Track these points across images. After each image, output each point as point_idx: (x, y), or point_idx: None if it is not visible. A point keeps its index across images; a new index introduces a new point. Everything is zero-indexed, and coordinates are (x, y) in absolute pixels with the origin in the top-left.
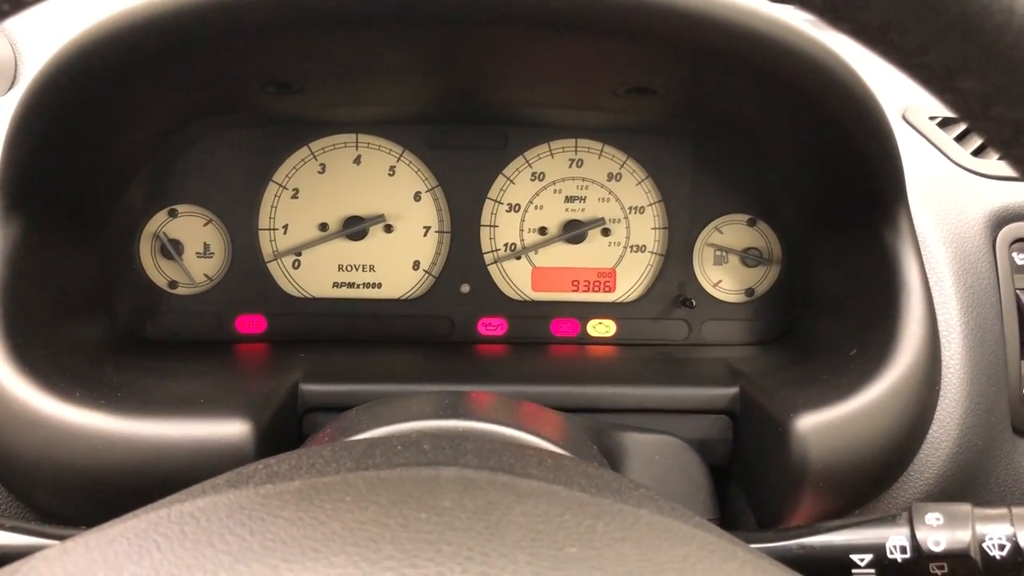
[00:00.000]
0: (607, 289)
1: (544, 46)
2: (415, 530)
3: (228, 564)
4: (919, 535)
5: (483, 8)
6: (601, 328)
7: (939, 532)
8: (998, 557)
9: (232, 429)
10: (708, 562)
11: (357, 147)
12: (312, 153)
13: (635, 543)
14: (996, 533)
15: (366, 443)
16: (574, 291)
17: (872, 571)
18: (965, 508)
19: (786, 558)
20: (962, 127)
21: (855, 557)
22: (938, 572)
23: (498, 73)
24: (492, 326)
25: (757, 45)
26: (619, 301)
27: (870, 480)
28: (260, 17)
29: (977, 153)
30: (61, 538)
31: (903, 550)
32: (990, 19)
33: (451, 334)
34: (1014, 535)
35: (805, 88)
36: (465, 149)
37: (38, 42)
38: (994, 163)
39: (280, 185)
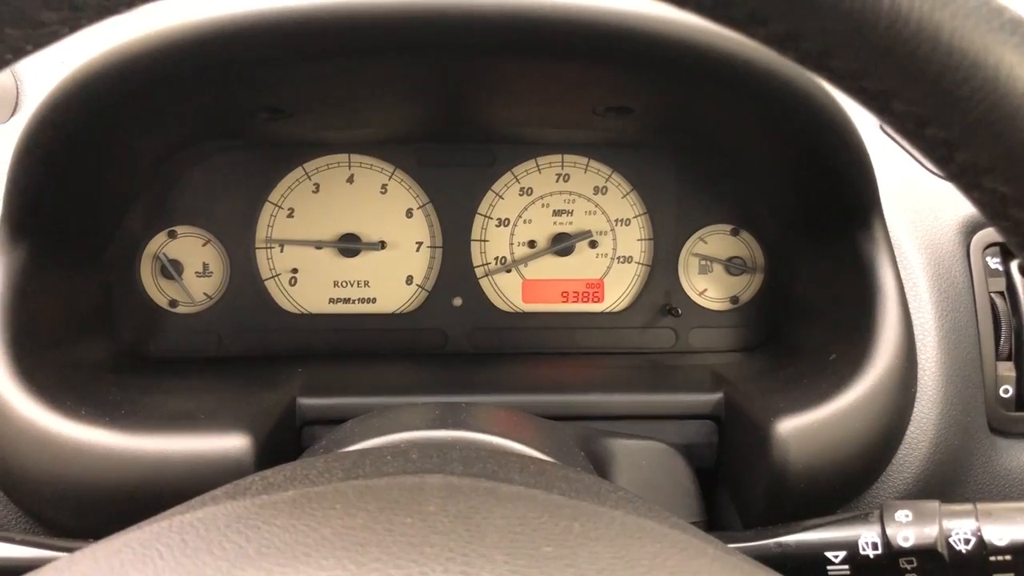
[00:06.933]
0: (595, 300)
1: (523, 71)
2: (400, 534)
3: (226, 569)
4: (889, 531)
5: (463, 38)
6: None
7: (908, 528)
8: (964, 551)
9: (232, 443)
10: (678, 559)
11: (350, 167)
12: (306, 173)
13: (608, 542)
14: (962, 528)
15: (357, 454)
16: (564, 302)
17: (846, 567)
18: (933, 505)
19: (764, 557)
20: None
21: (830, 554)
22: (908, 567)
23: (482, 96)
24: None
25: (726, 65)
26: (607, 311)
27: (850, 481)
28: (253, 48)
29: None
30: (70, 550)
31: (874, 546)
32: (918, 49)
33: (444, 346)
34: (979, 530)
35: (776, 105)
36: (455, 167)
37: (39, 70)
38: None
39: (276, 205)
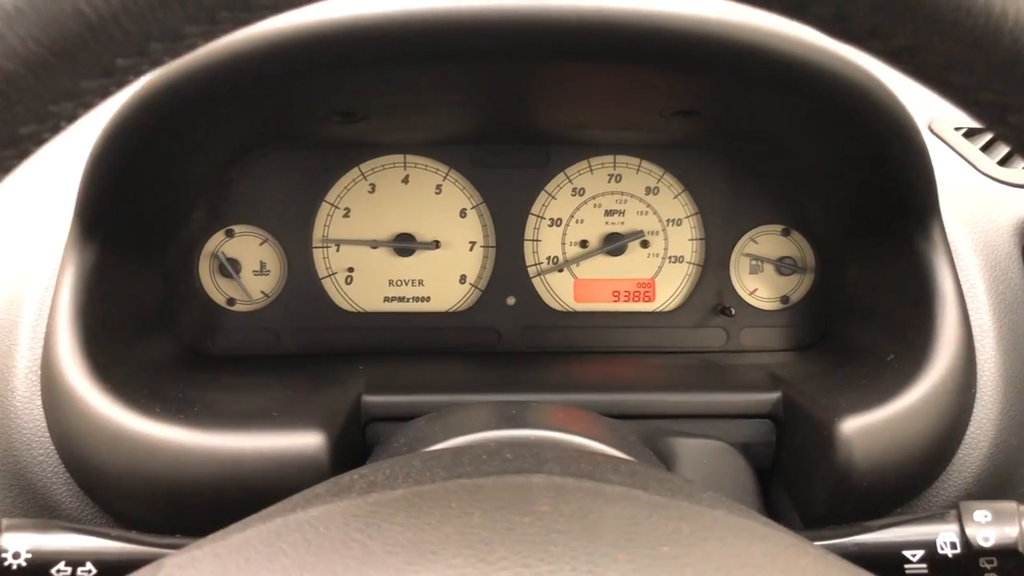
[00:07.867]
0: (647, 299)
1: (600, 76)
2: (521, 533)
3: (355, 567)
4: (968, 531)
5: (545, 44)
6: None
7: (987, 528)
8: None
9: (307, 441)
10: (785, 557)
11: (405, 167)
12: (362, 174)
13: (719, 542)
14: None
15: (451, 453)
16: (615, 301)
17: (924, 567)
18: (1012, 505)
19: (842, 555)
20: (987, 138)
21: (907, 553)
22: (988, 566)
23: (551, 101)
24: None
25: (798, 70)
26: (659, 310)
27: (912, 479)
28: (335, 55)
29: (1003, 163)
30: (162, 546)
31: (953, 546)
32: None
33: (498, 344)
34: None
35: (841, 107)
36: (508, 167)
37: None
38: (1019, 172)
39: (332, 205)
